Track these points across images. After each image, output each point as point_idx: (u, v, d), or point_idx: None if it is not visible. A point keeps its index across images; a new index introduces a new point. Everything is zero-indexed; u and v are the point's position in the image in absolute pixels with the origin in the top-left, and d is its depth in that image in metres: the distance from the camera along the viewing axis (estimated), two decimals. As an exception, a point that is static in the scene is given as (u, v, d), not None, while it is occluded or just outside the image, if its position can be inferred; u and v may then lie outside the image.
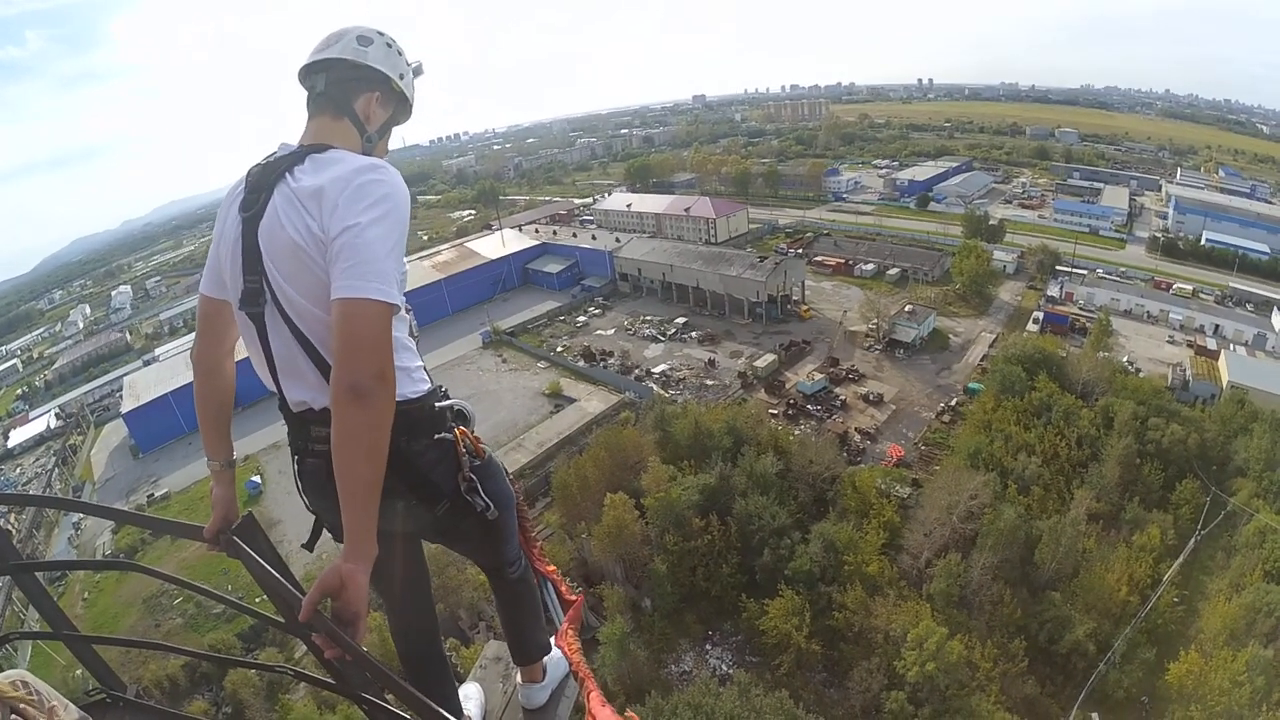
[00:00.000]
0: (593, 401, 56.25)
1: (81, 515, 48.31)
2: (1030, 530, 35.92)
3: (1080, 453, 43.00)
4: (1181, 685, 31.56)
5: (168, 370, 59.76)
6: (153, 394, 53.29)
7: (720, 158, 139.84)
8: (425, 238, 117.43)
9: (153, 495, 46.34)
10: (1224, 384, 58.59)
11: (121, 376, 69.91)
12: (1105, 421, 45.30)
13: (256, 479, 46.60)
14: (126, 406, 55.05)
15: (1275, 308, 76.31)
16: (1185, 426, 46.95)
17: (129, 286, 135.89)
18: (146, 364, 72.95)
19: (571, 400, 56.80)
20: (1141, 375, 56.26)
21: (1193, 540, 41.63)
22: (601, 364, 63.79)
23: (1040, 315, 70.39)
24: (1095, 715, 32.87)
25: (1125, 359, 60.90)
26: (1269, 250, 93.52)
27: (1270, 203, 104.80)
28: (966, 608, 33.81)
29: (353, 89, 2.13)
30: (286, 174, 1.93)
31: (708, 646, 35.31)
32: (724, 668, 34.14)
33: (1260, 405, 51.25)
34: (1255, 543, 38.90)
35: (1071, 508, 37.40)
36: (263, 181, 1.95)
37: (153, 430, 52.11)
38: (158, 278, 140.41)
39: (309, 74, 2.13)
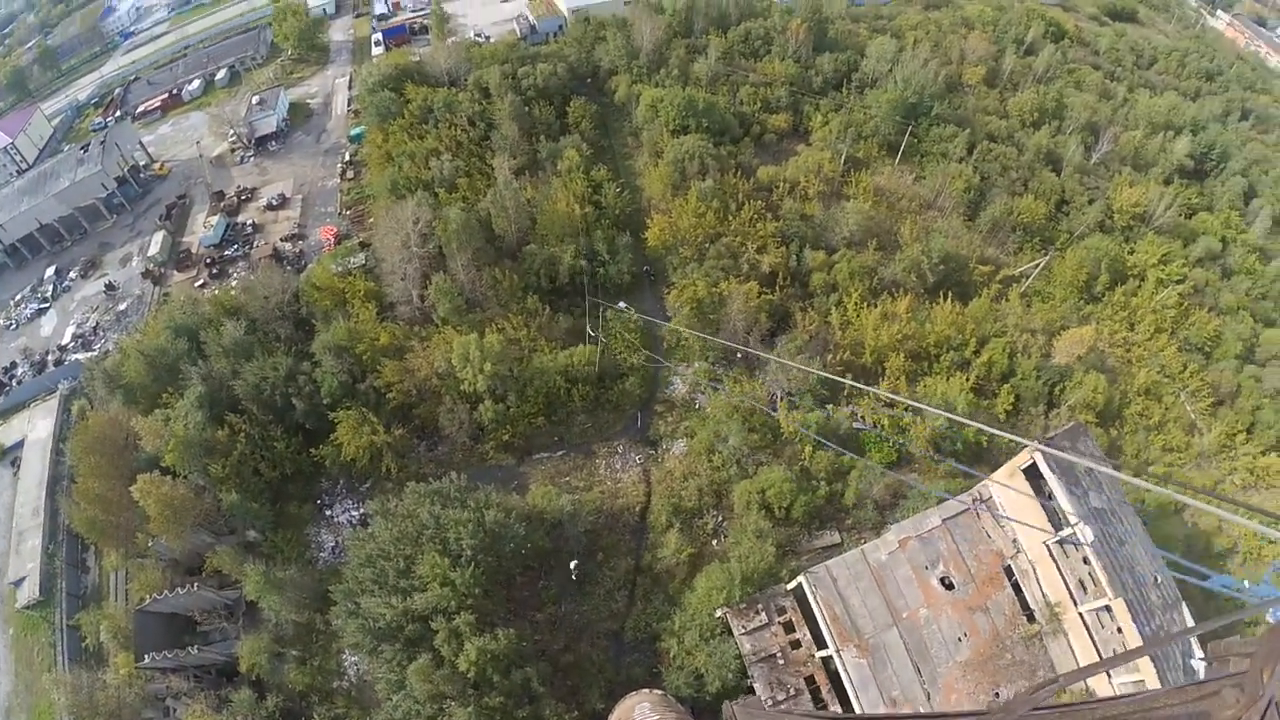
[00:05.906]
0: (38, 425, 45.26)
1: None
2: (477, 214, 38.90)
3: (477, 130, 46.25)
4: (663, 241, 39.93)
5: None
6: None
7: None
8: None
9: None
10: (566, 14, 66.98)
11: None
12: (483, 94, 48.64)
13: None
14: None
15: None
16: (551, 61, 53.16)
17: None
18: None
19: (19, 443, 45.27)
20: (493, 41, 60.64)
21: (609, 142, 49.85)
22: (11, 380, 50.95)
23: (379, 37, 70.12)
24: (624, 304, 40.25)
25: (473, 35, 64.79)
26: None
27: None
28: (480, 305, 36.80)
29: None
30: None
31: (328, 514, 33.90)
32: (356, 514, 33.48)
33: (600, 16, 60.07)
34: (650, 117, 48.34)
35: (496, 174, 41.02)
36: None
37: None
38: None
39: None
